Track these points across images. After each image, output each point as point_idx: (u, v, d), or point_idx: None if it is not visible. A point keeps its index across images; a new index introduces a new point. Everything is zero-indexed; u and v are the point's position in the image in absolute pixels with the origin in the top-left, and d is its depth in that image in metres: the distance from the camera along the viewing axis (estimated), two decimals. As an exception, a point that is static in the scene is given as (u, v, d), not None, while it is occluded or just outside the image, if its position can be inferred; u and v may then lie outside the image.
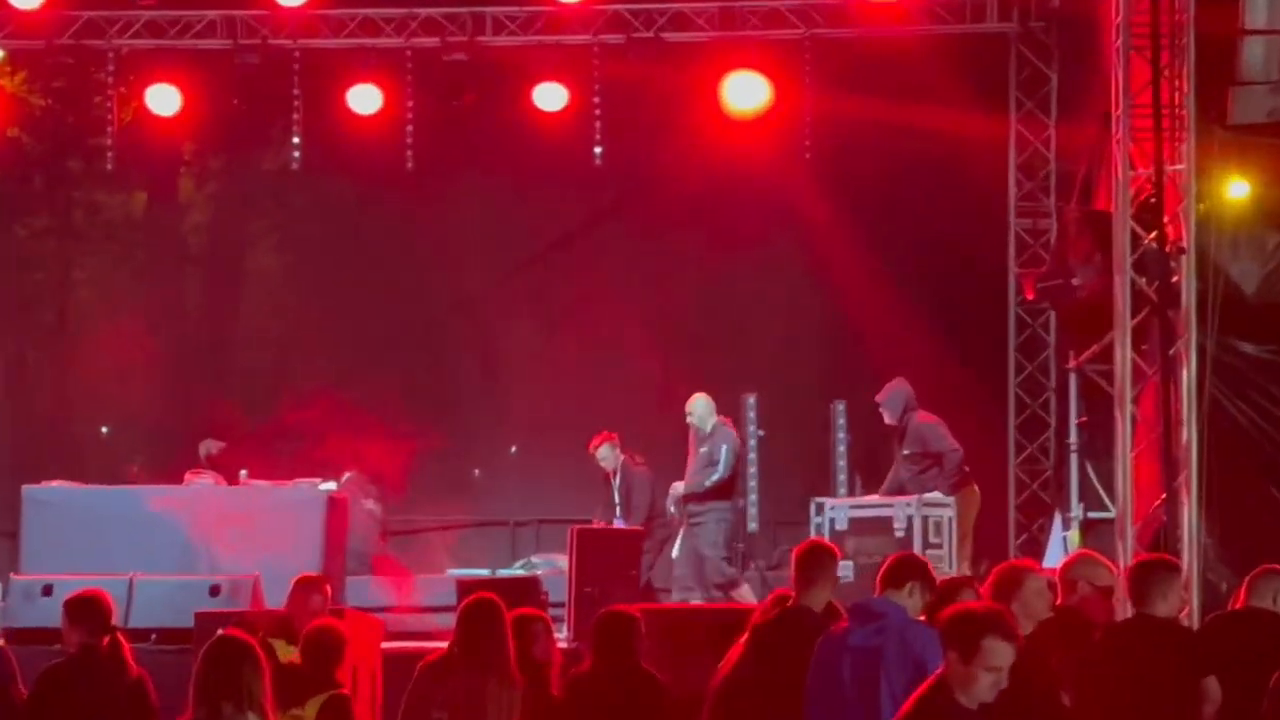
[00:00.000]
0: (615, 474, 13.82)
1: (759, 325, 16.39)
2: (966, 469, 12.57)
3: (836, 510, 12.48)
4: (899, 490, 12.70)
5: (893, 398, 13.00)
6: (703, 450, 13.33)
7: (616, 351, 16.09)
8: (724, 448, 13.23)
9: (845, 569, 10.58)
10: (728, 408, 13.73)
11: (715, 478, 13.11)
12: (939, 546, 11.86)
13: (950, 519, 12.04)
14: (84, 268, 17.92)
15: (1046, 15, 14.37)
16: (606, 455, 13.64)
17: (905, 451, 12.85)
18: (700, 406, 13.25)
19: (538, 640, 7.06)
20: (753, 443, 14.28)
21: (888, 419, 13.02)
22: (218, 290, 17.88)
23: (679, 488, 13.39)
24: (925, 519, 11.96)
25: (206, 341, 17.38)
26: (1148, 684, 5.98)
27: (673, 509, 13.61)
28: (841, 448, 14.59)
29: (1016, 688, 4.26)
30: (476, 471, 16.23)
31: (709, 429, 13.28)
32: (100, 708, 6.77)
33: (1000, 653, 3.67)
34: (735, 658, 7.06)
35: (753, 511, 14.32)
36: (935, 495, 12.25)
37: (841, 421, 14.50)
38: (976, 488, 12.72)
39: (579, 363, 16.20)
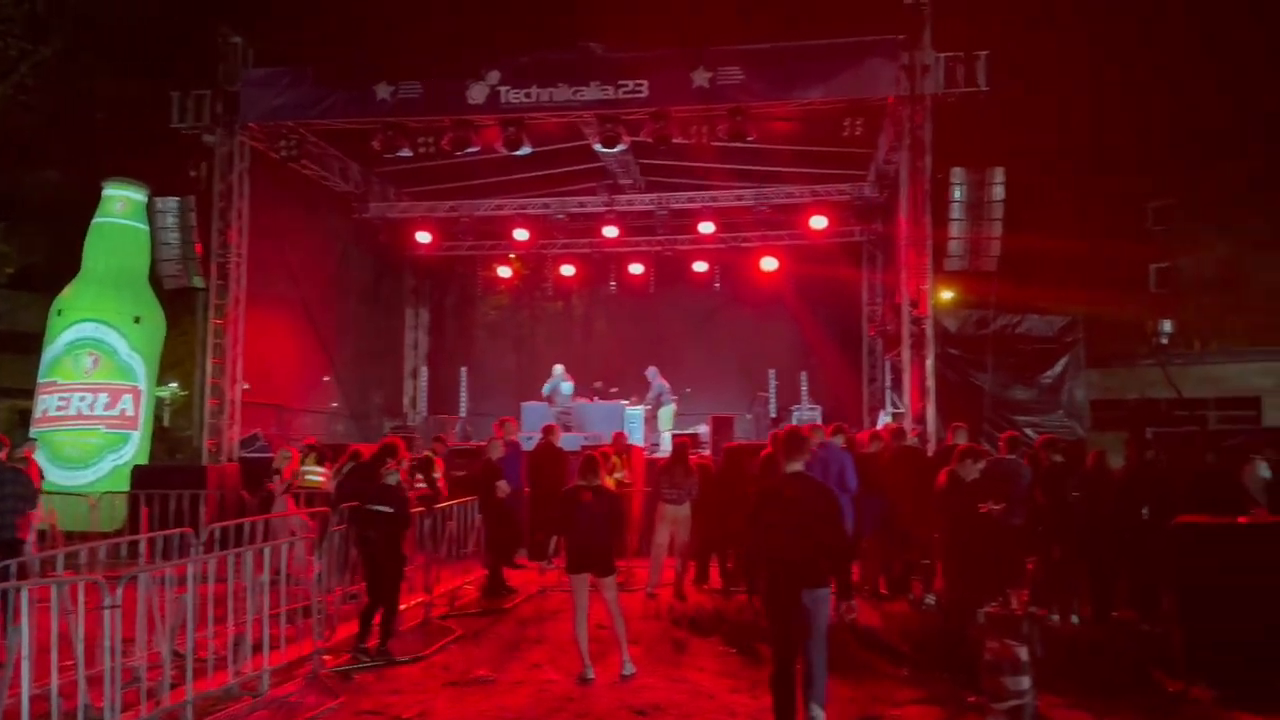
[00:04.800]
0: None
1: (768, 351, 19.67)
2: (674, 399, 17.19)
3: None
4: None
5: (651, 372, 17.57)
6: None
7: (712, 346, 19.73)
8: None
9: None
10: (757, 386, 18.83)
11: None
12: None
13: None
14: (537, 327, 21.63)
15: (875, 233, 18.60)
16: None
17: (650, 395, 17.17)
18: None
19: (691, 455, 10.36)
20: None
21: (650, 379, 17.41)
22: (585, 330, 21.54)
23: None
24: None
25: (578, 347, 20.81)
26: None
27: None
28: (805, 388, 18.89)
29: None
30: (688, 389, 18.54)
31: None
32: (558, 468, 10.86)
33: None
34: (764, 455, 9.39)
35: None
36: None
37: (805, 382, 18.98)
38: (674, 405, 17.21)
39: (705, 360, 19.43)
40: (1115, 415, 21.24)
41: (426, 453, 11.32)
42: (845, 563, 8.86)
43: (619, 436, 12.53)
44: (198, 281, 14.84)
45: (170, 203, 14.81)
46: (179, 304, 17.04)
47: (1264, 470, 9.29)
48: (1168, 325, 29.38)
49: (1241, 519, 7.06)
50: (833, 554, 5.67)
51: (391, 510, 7.75)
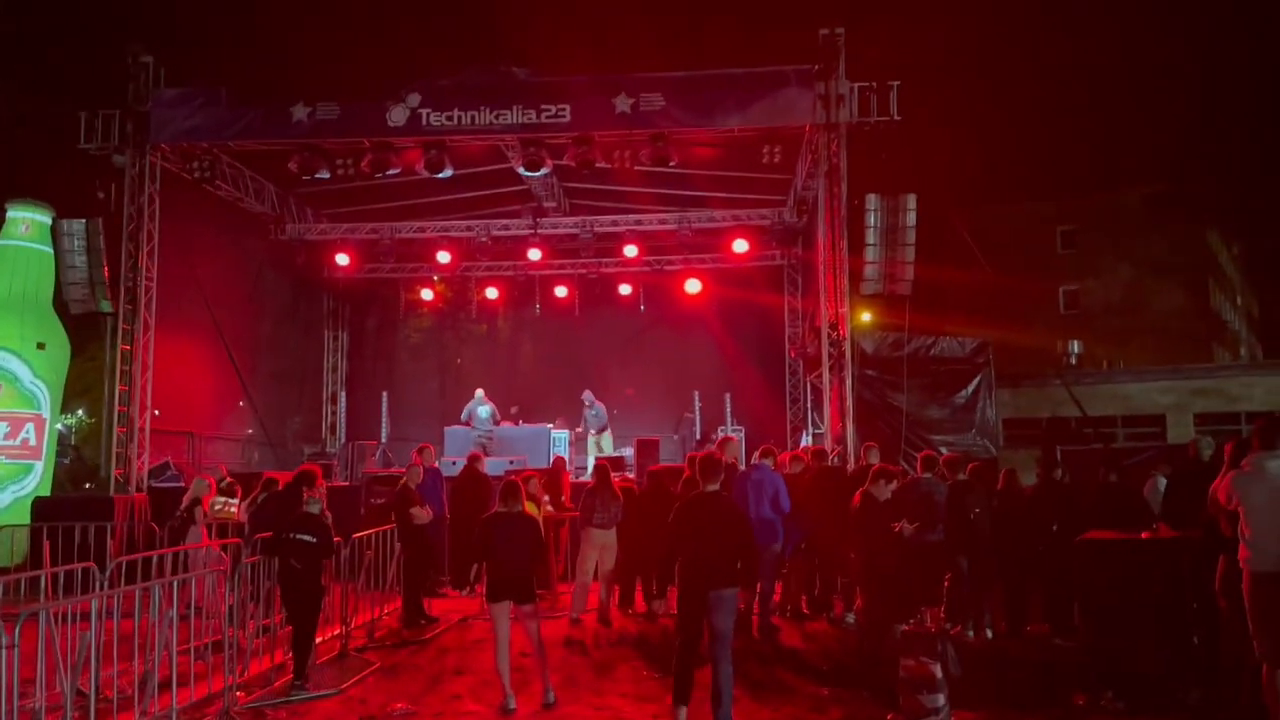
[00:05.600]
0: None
1: (692, 372, 19.38)
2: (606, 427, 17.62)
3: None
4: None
5: (587, 396, 17.90)
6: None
7: (637, 368, 20.02)
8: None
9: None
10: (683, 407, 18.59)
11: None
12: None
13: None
14: (461, 351, 21.49)
15: (796, 257, 19.04)
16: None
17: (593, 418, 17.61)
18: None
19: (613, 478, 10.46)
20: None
21: (586, 403, 17.73)
22: (509, 353, 21.31)
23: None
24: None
25: (503, 370, 20.62)
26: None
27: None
28: (729, 409, 18.32)
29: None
30: (614, 410, 18.47)
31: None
32: (483, 495, 10.96)
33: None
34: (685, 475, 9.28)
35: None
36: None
37: (729, 403, 18.40)
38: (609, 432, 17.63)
39: (631, 382, 19.86)
40: (1027, 434, 21.87)
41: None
42: (755, 572, 8.92)
43: (559, 461, 12.66)
44: (105, 306, 14.37)
45: (77, 225, 14.35)
46: (86, 329, 16.47)
47: (1164, 486, 9.61)
48: (1076, 345, 30.53)
49: (1144, 534, 7.29)
50: (747, 564, 6.29)
51: (314, 540, 7.55)
